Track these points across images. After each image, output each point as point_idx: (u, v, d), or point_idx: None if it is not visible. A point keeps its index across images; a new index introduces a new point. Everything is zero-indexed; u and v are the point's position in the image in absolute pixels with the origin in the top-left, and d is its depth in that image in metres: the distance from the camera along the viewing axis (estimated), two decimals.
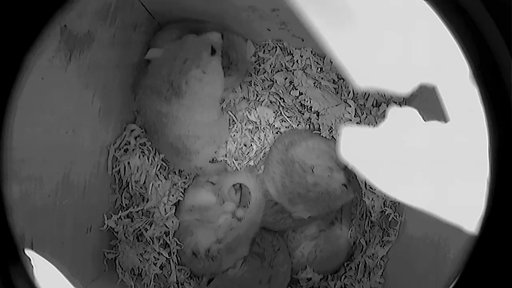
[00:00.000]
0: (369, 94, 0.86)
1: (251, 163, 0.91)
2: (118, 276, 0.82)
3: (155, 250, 0.84)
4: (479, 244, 0.37)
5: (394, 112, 0.76)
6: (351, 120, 0.84)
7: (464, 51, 0.36)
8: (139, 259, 0.82)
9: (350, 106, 0.85)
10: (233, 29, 0.87)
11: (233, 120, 0.91)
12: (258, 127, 0.91)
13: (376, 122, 0.84)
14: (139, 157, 0.85)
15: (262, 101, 0.90)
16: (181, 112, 0.79)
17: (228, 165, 0.92)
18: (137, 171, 0.85)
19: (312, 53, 0.89)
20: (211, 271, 0.83)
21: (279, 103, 0.89)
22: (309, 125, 0.88)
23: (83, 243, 0.75)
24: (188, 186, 0.89)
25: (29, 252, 0.55)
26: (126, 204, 0.85)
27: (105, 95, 0.75)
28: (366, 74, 0.70)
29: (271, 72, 0.90)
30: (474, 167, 0.48)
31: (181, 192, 0.87)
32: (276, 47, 0.90)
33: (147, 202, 0.85)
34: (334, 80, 0.88)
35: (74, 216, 0.71)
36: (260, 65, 0.90)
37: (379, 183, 0.76)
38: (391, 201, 0.85)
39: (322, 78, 0.88)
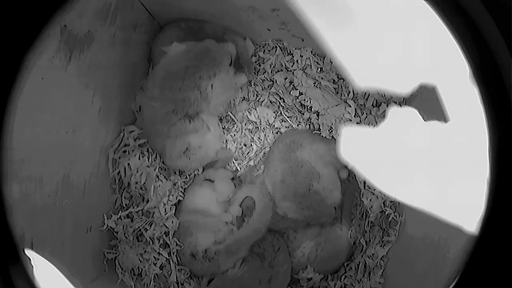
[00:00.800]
0: (369, 94, 0.86)
1: (251, 163, 0.91)
2: (118, 276, 0.82)
3: (155, 250, 0.84)
4: (479, 244, 0.37)
5: (394, 112, 0.76)
6: (351, 120, 0.84)
7: (464, 51, 0.36)
8: (139, 259, 0.82)
9: (350, 106, 0.85)
10: (233, 29, 0.87)
11: (233, 120, 0.91)
12: (258, 127, 0.91)
13: (376, 122, 0.84)
14: (138, 158, 0.85)
15: (262, 101, 0.90)
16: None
17: (228, 165, 0.92)
18: (137, 171, 0.85)
19: (312, 53, 0.89)
20: (210, 272, 0.83)
21: (279, 103, 0.89)
22: (309, 125, 0.88)
23: (83, 243, 0.75)
24: (188, 186, 0.89)
25: (29, 252, 0.55)
26: (126, 204, 0.85)
27: (105, 95, 0.75)
28: (366, 74, 0.70)
29: (271, 72, 0.90)
30: (474, 167, 0.48)
31: (181, 192, 0.87)
32: (276, 47, 0.90)
33: (147, 202, 0.85)
34: (334, 80, 0.88)
35: (74, 216, 0.71)
36: (260, 65, 0.90)
37: (379, 183, 0.76)
38: (391, 201, 0.85)
39: (322, 78, 0.88)
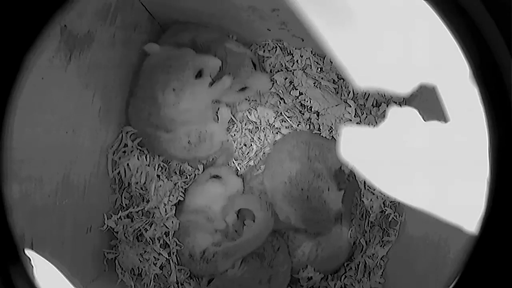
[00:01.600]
0: (369, 94, 0.86)
1: (251, 163, 0.91)
2: (118, 276, 0.82)
3: (155, 250, 0.84)
4: (479, 244, 0.37)
5: (394, 112, 0.76)
6: (351, 120, 0.84)
7: (464, 51, 0.36)
8: (139, 259, 0.82)
9: (350, 106, 0.85)
10: (233, 29, 0.87)
11: (233, 120, 0.91)
12: (258, 127, 0.91)
13: (376, 122, 0.84)
14: (137, 158, 0.85)
15: (263, 102, 0.90)
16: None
17: (228, 164, 0.92)
18: (137, 171, 0.85)
19: (312, 53, 0.89)
20: (209, 273, 0.83)
21: (279, 103, 0.89)
22: (309, 125, 0.88)
23: (83, 243, 0.75)
24: (189, 185, 0.89)
25: (29, 252, 0.55)
26: (126, 204, 0.85)
27: (105, 95, 0.75)
28: (366, 74, 0.70)
29: (271, 72, 0.90)
30: (474, 167, 0.48)
31: (182, 192, 0.87)
32: (276, 47, 0.90)
33: (147, 202, 0.85)
34: (334, 80, 0.88)
35: (74, 216, 0.71)
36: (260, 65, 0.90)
37: (379, 183, 0.76)
38: (391, 201, 0.85)
39: (322, 78, 0.88)
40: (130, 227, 0.83)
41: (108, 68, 0.75)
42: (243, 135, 0.91)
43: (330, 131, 0.86)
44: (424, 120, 0.67)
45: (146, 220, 0.85)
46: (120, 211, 0.83)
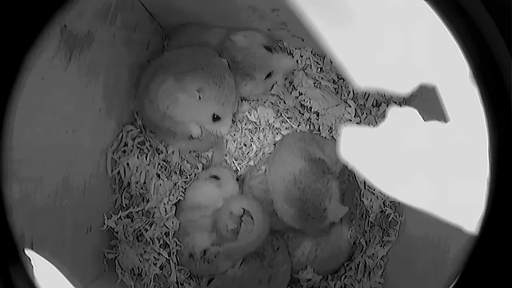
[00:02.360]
0: (369, 94, 0.86)
1: (251, 163, 0.91)
2: (118, 276, 0.82)
3: (155, 251, 0.84)
4: (479, 244, 0.37)
5: (394, 112, 0.76)
6: (351, 120, 0.84)
7: (464, 51, 0.36)
8: (139, 259, 0.82)
9: (350, 106, 0.85)
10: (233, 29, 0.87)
11: (233, 120, 0.91)
12: (258, 127, 0.91)
13: (376, 122, 0.84)
14: (137, 157, 0.85)
15: (263, 102, 0.90)
16: None
17: (228, 165, 0.92)
18: (137, 171, 0.85)
19: (312, 53, 0.89)
20: (209, 273, 0.83)
21: (279, 103, 0.89)
22: (309, 125, 0.88)
23: (83, 243, 0.75)
24: (189, 185, 0.89)
25: (29, 252, 0.55)
26: (126, 204, 0.85)
27: (105, 95, 0.75)
28: (366, 74, 0.70)
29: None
30: (474, 167, 0.48)
31: (182, 191, 0.87)
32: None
33: (147, 202, 0.85)
34: (334, 80, 0.88)
35: (74, 216, 0.71)
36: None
37: (379, 183, 0.76)
38: (391, 201, 0.85)
39: (322, 78, 0.88)
40: (130, 227, 0.83)
41: (108, 68, 0.75)
42: (243, 135, 0.91)
43: (330, 131, 0.86)
44: (424, 120, 0.67)
45: (146, 220, 0.85)
46: (120, 211, 0.83)
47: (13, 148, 0.39)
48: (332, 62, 0.88)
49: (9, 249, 0.38)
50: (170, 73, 0.78)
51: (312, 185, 0.79)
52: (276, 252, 0.83)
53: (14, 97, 0.37)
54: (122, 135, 0.84)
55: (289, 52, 0.90)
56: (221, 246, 0.81)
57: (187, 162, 0.90)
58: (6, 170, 0.38)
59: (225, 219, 0.84)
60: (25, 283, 0.38)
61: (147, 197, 0.85)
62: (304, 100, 0.87)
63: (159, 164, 0.87)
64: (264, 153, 0.90)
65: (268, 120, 0.90)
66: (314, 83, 0.87)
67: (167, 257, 0.84)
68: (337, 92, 0.88)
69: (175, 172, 0.89)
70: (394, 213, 0.84)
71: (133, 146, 0.85)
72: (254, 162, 0.91)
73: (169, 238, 0.85)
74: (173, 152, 0.89)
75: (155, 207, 0.85)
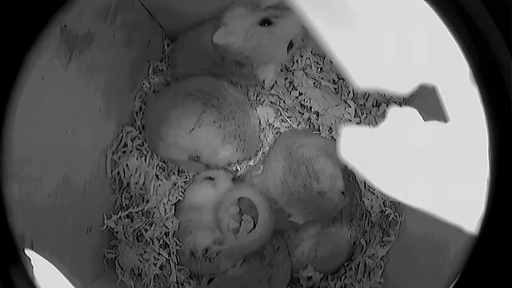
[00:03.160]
0: (369, 94, 0.86)
1: (251, 163, 0.91)
2: (118, 276, 0.82)
3: (155, 251, 0.84)
4: (479, 244, 0.37)
5: (394, 112, 0.76)
6: (351, 120, 0.84)
7: (464, 51, 0.36)
8: (139, 259, 0.82)
9: (350, 106, 0.85)
10: None
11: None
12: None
13: (376, 122, 0.84)
14: (136, 158, 0.85)
15: (263, 102, 0.90)
16: None
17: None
18: (136, 172, 0.85)
19: (312, 53, 0.89)
20: (210, 272, 0.83)
21: (279, 103, 0.89)
22: (309, 125, 0.88)
23: (83, 243, 0.75)
24: (188, 185, 0.89)
25: (29, 252, 0.55)
26: (126, 205, 0.85)
27: (105, 95, 0.75)
28: (366, 74, 0.70)
29: None
30: (474, 167, 0.48)
31: (181, 192, 0.87)
32: None
33: (147, 202, 0.85)
34: (334, 80, 0.88)
35: (74, 216, 0.71)
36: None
37: (379, 183, 0.76)
38: (391, 201, 0.85)
39: (322, 78, 0.88)
40: (130, 227, 0.83)
41: (108, 68, 0.75)
42: None
43: (330, 131, 0.86)
44: (424, 120, 0.67)
45: (146, 220, 0.85)
46: (120, 211, 0.83)
47: (13, 148, 0.39)
48: (332, 62, 0.88)
49: (9, 249, 0.38)
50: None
51: (300, 181, 0.80)
52: (276, 252, 0.83)
53: (14, 97, 0.37)
54: (122, 135, 0.84)
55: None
56: (222, 244, 0.81)
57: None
58: (6, 170, 0.38)
59: (228, 207, 0.84)
60: (25, 283, 0.38)
61: (147, 198, 0.85)
62: (304, 100, 0.87)
63: (158, 165, 0.87)
64: (264, 153, 0.90)
65: (268, 119, 0.90)
66: (314, 83, 0.87)
67: (167, 257, 0.84)
68: (337, 92, 0.88)
69: (174, 173, 0.89)
70: (394, 213, 0.84)
71: (132, 147, 0.85)
72: (254, 162, 0.91)
73: (169, 238, 0.85)
74: None
75: (154, 207, 0.85)
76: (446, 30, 0.37)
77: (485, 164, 0.37)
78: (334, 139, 0.85)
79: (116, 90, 0.79)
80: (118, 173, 0.84)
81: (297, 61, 0.89)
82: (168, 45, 0.92)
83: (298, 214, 0.81)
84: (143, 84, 0.88)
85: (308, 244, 0.85)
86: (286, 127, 0.89)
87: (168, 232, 0.85)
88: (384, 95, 0.85)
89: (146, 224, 0.85)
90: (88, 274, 0.77)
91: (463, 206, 0.52)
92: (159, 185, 0.86)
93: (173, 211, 0.86)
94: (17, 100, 0.37)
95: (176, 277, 0.84)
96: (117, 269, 0.83)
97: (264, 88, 0.89)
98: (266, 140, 0.90)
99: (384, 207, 0.85)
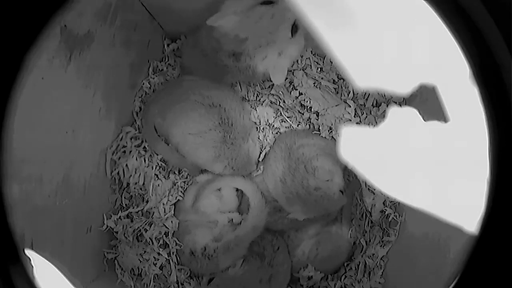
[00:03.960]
0: (369, 94, 0.86)
1: None
2: (118, 276, 0.82)
3: (154, 251, 0.84)
4: (479, 244, 0.37)
5: (394, 112, 0.76)
6: (351, 120, 0.84)
7: (464, 51, 0.36)
8: (139, 259, 0.82)
9: (350, 106, 0.85)
10: None
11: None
12: (258, 127, 0.90)
13: (376, 122, 0.84)
14: (136, 158, 0.85)
15: (263, 102, 0.90)
16: None
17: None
18: (135, 172, 0.85)
19: (312, 53, 0.89)
20: (210, 271, 0.83)
21: (279, 103, 0.89)
22: (309, 125, 0.88)
23: (83, 243, 0.75)
24: (189, 186, 0.88)
25: (29, 252, 0.55)
26: (126, 205, 0.85)
27: (105, 95, 0.75)
28: (366, 74, 0.70)
29: None
30: (474, 167, 0.48)
31: (181, 192, 0.87)
32: None
33: (146, 202, 0.85)
34: (334, 80, 0.88)
35: (74, 216, 0.71)
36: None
37: (379, 183, 0.76)
38: (391, 201, 0.85)
39: (322, 78, 0.88)
40: (130, 227, 0.83)
41: (108, 68, 0.75)
42: None
43: (330, 131, 0.86)
44: (424, 120, 0.67)
45: (146, 220, 0.85)
46: (120, 211, 0.83)
47: (13, 148, 0.39)
48: (332, 62, 0.88)
49: (9, 249, 0.38)
50: None
51: (298, 179, 0.80)
52: (276, 252, 0.83)
53: (14, 97, 0.37)
54: (122, 136, 0.84)
55: None
56: (220, 241, 0.81)
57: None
58: (6, 170, 0.38)
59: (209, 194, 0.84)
60: (25, 283, 0.38)
61: (146, 198, 0.85)
62: (304, 100, 0.87)
63: (157, 165, 0.87)
64: (263, 153, 0.90)
65: (267, 119, 0.90)
66: (314, 83, 0.87)
67: (167, 257, 0.84)
68: (337, 92, 0.88)
69: (174, 172, 0.89)
70: (394, 213, 0.84)
71: (132, 147, 0.85)
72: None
73: (168, 238, 0.85)
74: None
75: (154, 207, 0.85)
76: (446, 30, 0.37)
77: (485, 164, 0.37)
78: (334, 139, 0.85)
79: (116, 90, 0.79)
80: (118, 173, 0.84)
81: (297, 61, 0.89)
82: (168, 45, 0.92)
83: (298, 211, 0.82)
84: (143, 84, 0.88)
85: (308, 244, 0.85)
86: (286, 127, 0.89)
87: (168, 232, 0.85)
88: (384, 95, 0.85)
89: (146, 224, 0.85)
90: (88, 274, 0.77)
91: (463, 206, 0.52)
92: (159, 185, 0.86)
93: (172, 211, 0.86)
94: (17, 100, 0.37)
95: (176, 277, 0.84)
96: (117, 269, 0.83)
97: (264, 88, 0.89)
98: (266, 140, 0.90)
99: (384, 207, 0.85)
